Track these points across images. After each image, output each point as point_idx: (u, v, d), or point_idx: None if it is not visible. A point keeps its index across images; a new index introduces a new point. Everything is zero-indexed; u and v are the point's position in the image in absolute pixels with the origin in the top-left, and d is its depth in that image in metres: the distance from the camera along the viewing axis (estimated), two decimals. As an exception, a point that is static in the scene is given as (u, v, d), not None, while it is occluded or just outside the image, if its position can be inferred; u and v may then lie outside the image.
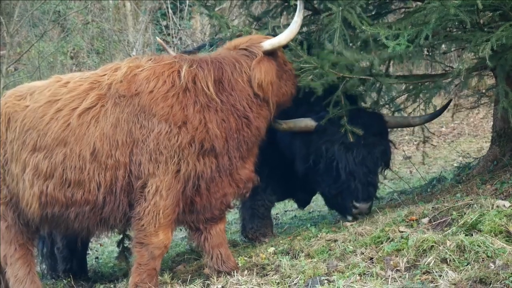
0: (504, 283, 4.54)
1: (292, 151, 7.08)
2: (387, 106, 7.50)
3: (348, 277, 5.02)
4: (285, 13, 7.62)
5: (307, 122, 6.84)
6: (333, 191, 6.95)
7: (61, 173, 5.56)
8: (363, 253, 5.47)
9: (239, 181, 5.75)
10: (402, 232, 5.69)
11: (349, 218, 6.88)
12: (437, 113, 7.51)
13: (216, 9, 7.64)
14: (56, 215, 5.68)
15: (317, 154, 6.83)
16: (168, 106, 5.41)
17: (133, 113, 5.47)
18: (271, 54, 5.79)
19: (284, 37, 5.83)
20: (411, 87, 7.06)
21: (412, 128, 8.57)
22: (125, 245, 7.34)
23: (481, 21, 6.09)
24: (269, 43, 5.80)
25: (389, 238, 5.61)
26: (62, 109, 5.66)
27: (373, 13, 7.43)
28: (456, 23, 6.41)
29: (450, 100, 7.77)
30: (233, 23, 7.93)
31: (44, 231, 6.18)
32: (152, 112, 5.42)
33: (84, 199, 5.55)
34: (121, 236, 7.34)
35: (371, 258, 5.35)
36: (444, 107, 7.56)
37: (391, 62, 7.26)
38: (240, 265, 5.88)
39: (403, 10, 7.75)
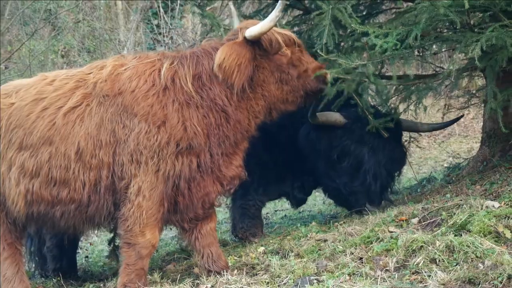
0: (493, 283, 4.54)
1: (316, 147, 7.12)
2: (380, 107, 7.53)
3: (337, 277, 5.01)
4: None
5: (337, 117, 6.92)
6: (348, 190, 7.00)
7: (46, 172, 5.55)
8: (352, 253, 5.47)
9: (223, 178, 5.67)
10: (392, 232, 5.70)
11: None
12: (447, 124, 7.63)
13: (208, 8, 7.64)
14: (42, 213, 5.68)
15: (343, 152, 6.90)
16: (148, 105, 5.39)
17: (117, 112, 5.46)
18: (255, 43, 5.59)
19: (266, 25, 5.50)
20: (401, 87, 7.08)
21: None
22: (116, 243, 7.33)
23: (472, 22, 6.10)
24: (249, 31, 5.55)
25: (378, 238, 5.62)
26: (48, 107, 5.65)
27: (364, 13, 7.45)
28: (447, 23, 6.43)
29: (462, 115, 7.85)
30: (224, 22, 7.93)
31: (31, 229, 6.16)
32: (133, 112, 5.40)
33: (69, 197, 5.54)
34: (112, 234, 7.33)
35: (361, 258, 5.35)
36: (455, 120, 7.67)
37: (384, 63, 7.27)
38: (230, 264, 5.87)
39: (394, 10, 7.77)
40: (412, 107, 7.49)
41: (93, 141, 5.46)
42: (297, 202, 8.00)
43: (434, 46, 7.18)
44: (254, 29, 5.51)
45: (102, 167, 5.45)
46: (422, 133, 8.35)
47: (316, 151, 7.14)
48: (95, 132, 5.47)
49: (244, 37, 5.53)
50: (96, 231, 6.37)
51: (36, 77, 6.02)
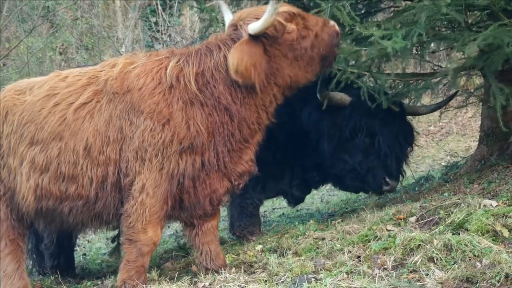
0: (491, 282, 4.55)
1: (319, 130, 7.11)
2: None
3: (335, 275, 5.01)
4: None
5: (342, 96, 6.90)
6: (364, 168, 6.97)
7: (56, 167, 5.57)
8: (350, 252, 5.47)
9: (231, 175, 5.63)
10: (390, 230, 5.70)
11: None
12: (442, 104, 7.57)
13: (207, 5, 7.64)
14: (50, 208, 5.69)
15: (354, 128, 6.87)
16: (155, 103, 5.38)
17: (125, 109, 5.46)
18: (260, 35, 5.33)
19: (268, 20, 5.22)
20: (400, 86, 7.08)
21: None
22: (120, 241, 7.32)
23: (470, 21, 6.10)
24: (252, 28, 5.30)
25: (376, 236, 5.62)
26: (59, 103, 5.67)
27: (362, 11, 7.44)
28: (445, 22, 6.43)
29: (456, 92, 7.75)
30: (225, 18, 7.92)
31: (40, 226, 6.16)
32: (140, 109, 5.40)
33: (77, 193, 5.56)
34: (115, 232, 7.31)
35: (359, 257, 5.36)
36: (450, 98, 7.59)
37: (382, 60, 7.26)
38: (227, 262, 5.87)
39: (392, 9, 7.76)
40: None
41: (101, 138, 5.47)
42: (295, 200, 7.98)
43: (432, 45, 7.17)
44: (256, 26, 5.28)
45: (109, 164, 5.46)
46: (420, 130, 8.31)
47: (321, 134, 7.11)
48: (103, 129, 5.48)
49: (249, 34, 5.33)
50: (106, 229, 6.35)
51: (50, 74, 6.05)
